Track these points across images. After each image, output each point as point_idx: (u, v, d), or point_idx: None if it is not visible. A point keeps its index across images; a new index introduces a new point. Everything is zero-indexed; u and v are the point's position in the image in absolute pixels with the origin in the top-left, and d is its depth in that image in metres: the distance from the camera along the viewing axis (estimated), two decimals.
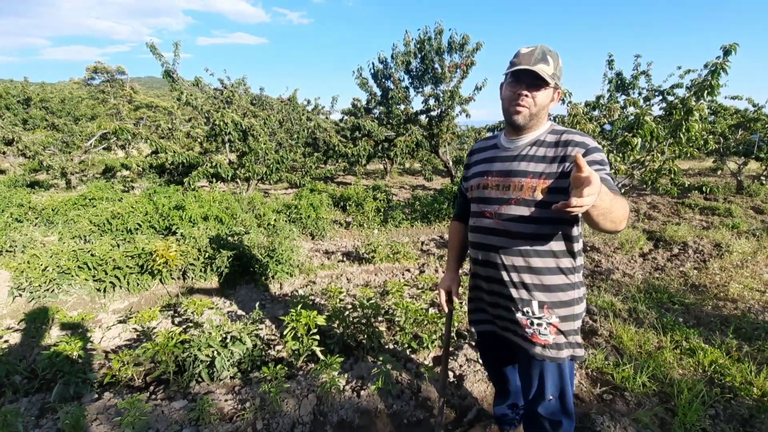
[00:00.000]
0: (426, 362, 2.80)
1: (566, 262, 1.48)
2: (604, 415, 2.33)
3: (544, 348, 1.50)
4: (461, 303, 3.39)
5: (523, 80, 1.41)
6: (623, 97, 8.24)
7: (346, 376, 2.54)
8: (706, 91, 5.18)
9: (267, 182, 9.52)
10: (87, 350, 2.85)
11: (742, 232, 6.06)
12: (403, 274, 4.61)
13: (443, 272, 4.69)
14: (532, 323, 1.49)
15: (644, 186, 6.02)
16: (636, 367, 2.76)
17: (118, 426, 2.06)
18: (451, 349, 2.96)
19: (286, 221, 5.97)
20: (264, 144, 8.22)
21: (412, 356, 2.85)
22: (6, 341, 3.08)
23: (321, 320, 2.67)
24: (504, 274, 1.52)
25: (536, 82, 1.39)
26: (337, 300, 3.49)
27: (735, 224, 6.36)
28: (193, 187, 7.49)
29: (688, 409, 2.35)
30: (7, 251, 4.80)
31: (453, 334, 3.21)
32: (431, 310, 3.40)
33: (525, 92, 1.42)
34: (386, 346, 3.00)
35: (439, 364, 2.80)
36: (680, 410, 2.36)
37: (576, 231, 1.50)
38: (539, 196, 1.41)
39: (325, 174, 12.28)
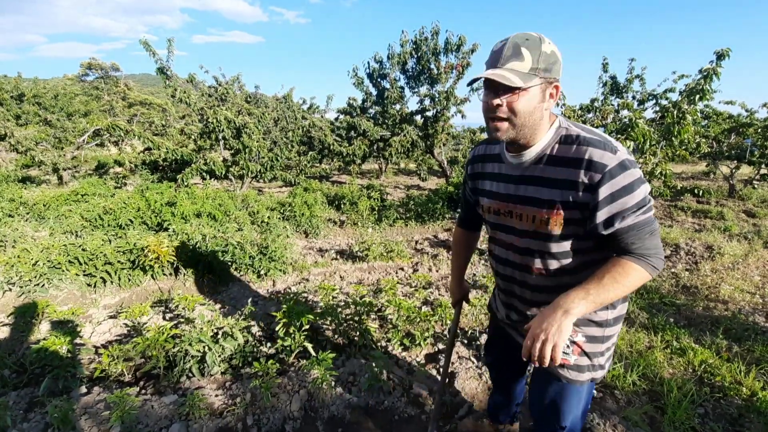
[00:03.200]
0: (418, 360, 2.80)
1: None
2: (594, 412, 2.34)
3: (565, 369, 1.34)
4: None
5: (492, 87, 1.13)
6: (617, 100, 8.30)
7: (337, 372, 2.53)
8: (698, 96, 5.25)
9: (261, 180, 9.49)
10: (76, 345, 2.82)
11: (734, 234, 6.13)
12: (396, 273, 4.61)
13: (436, 271, 4.70)
14: None
15: None
16: (627, 366, 2.78)
17: (107, 420, 2.04)
18: (441, 346, 2.96)
19: (279, 219, 5.95)
20: (258, 142, 8.20)
21: (404, 354, 2.85)
22: None
23: (313, 317, 2.66)
24: (524, 307, 1.40)
25: (509, 88, 1.10)
26: (330, 297, 3.48)
27: (727, 227, 6.42)
28: (186, 184, 7.44)
29: (677, 407, 2.37)
30: None
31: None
32: (424, 308, 3.40)
33: (497, 101, 1.12)
34: (378, 344, 2.99)
35: (431, 362, 2.80)
36: (669, 409, 2.38)
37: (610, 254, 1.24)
38: (555, 230, 1.20)
39: (320, 173, 12.26)
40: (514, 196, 1.28)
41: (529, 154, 1.22)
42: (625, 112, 6.63)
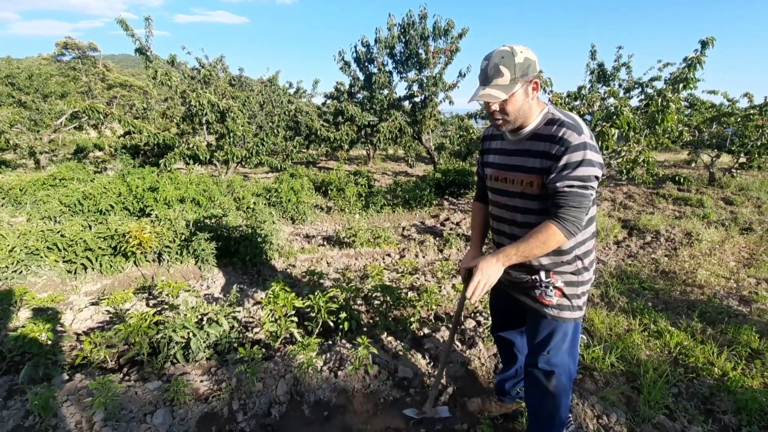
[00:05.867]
0: (403, 344, 2.82)
1: (568, 242, 1.58)
2: (574, 393, 2.41)
3: (549, 308, 1.66)
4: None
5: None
6: (604, 88, 8.36)
7: (323, 357, 2.55)
8: (682, 84, 5.31)
9: (247, 166, 9.35)
10: (57, 332, 2.78)
11: (712, 221, 6.29)
12: (383, 259, 4.63)
13: (423, 257, 4.73)
14: (540, 286, 1.65)
15: (621, 176, 6.17)
16: (605, 348, 2.86)
17: (90, 407, 2.02)
18: (427, 331, 3.00)
19: (265, 205, 5.89)
20: (243, 126, 8.05)
21: (390, 338, 2.88)
22: None
23: (299, 302, 2.66)
24: None
25: (497, 100, 1.45)
26: (317, 283, 3.48)
27: (706, 214, 6.59)
28: (169, 168, 7.28)
29: (652, 387, 2.46)
30: None
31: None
32: (410, 294, 3.43)
33: (493, 108, 1.50)
34: (364, 329, 3.01)
35: (416, 346, 2.84)
36: (645, 389, 2.46)
37: None
38: (537, 191, 1.54)
39: (307, 159, 12.14)
40: (508, 165, 1.64)
41: (523, 133, 1.57)
42: (611, 100, 6.68)
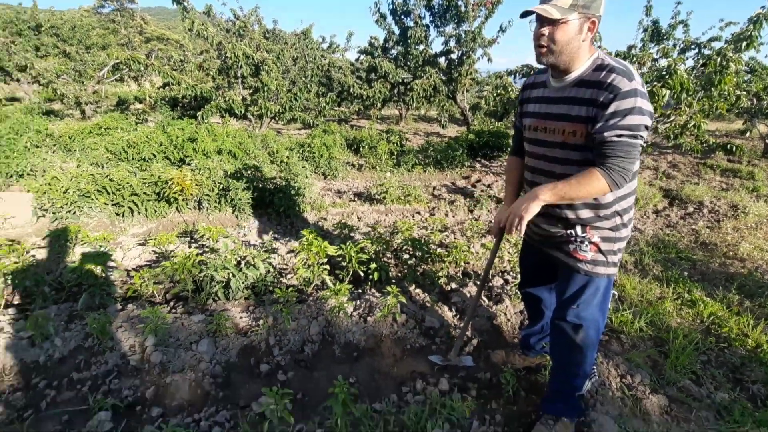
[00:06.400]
0: (431, 297, 2.90)
1: (609, 196, 1.53)
2: (599, 353, 2.43)
3: (583, 263, 1.63)
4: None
5: (538, 19, 1.44)
6: (657, 47, 7.75)
7: (354, 303, 2.66)
8: (745, 43, 4.86)
9: (280, 121, 9.40)
10: (109, 267, 3.00)
11: (762, 195, 5.93)
12: (413, 216, 4.66)
13: (452, 216, 4.73)
14: (575, 241, 1.61)
15: (668, 142, 5.83)
16: (635, 313, 2.84)
17: (141, 333, 2.22)
18: (454, 286, 3.05)
19: (299, 159, 5.97)
20: (277, 80, 8.02)
21: (418, 290, 2.95)
22: (33, 256, 3.24)
23: (332, 250, 2.75)
24: (548, 208, 1.60)
25: (550, 20, 1.39)
26: (347, 235, 3.57)
27: (756, 187, 6.20)
28: (206, 121, 7.43)
29: (680, 353, 2.44)
30: (28, 174, 4.92)
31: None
32: (439, 250, 3.47)
33: (541, 31, 1.43)
34: (393, 281, 3.10)
35: (443, 299, 2.91)
36: (673, 353, 2.45)
37: None
38: (580, 141, 1.48)
39: (339, 116, 12.06)
40: (550, 114, 1.57)
41: (568, 79, 1.50)
42: (663, 62, 6.20)
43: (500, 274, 3.33)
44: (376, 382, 2.27)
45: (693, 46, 7.21)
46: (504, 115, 9.62)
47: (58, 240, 3.35)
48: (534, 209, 1.48)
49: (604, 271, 1.63)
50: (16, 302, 2.73)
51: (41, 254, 3.34)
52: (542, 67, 1.61)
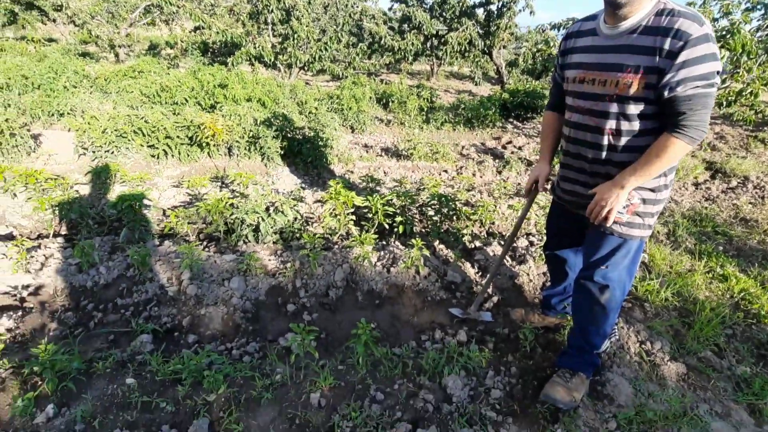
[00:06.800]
0: (454, 253, 2.92)
1: None
2: (620, 318, 2.43)
3: (617, 225, 1.57)
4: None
5: None
6: (719, 3, 7.06)
7: (378, 254, 2.71)
8: None
9: (309, 71, 9.25)
10: (146, 205, 3.14)
11: None
12: (440, 174, 4.62)
13: (480, 176, 4.65)
14: None
15: (718, 110, 5.44)
16: (662, 283, 2.79)
17: (178, 267, 2.35)
18: (478, 244, 3.06)
19: (327, 110, 5.92)
20: (307, 27, 7.80)
21: (441, 246, 2.98)
22: (76, 191, 3.41)
23: (359, 201, 2.78)
24: (594, 167, 1.57)
25: None
26: (374, 189, 3.58)
27: None
28: (235, 68, 7.38)
29: (705, 324, 2.41)
30: (68, 113, 5.08)
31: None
32: (464, 208, 3.45)
33: None
34: (417, 236, 3.13)
35: (466, 256, 2.93)
36: (697, 324, 2.42)
37: None
38: (635, 93, 1.38)
39: (368, 69, 11.73)
40: (601, 64, 1.46)
41: (626, 25, 1.38)
42: (724, 22, 5.66)
43: (525, 236, 3.30)
44: (395, 329, 2.36)
45: (759, 5, 6.53)
46: (542, 74, 9.14)
47: (99, 177, 3.51)
48: (622, 200, 1.47)
49: (638, 233, 1.58)
50: (63, 232, 2.92)
51: (84, 190, 3.51)
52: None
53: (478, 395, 1.88)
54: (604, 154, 1.53)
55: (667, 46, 1.27)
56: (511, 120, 7.69)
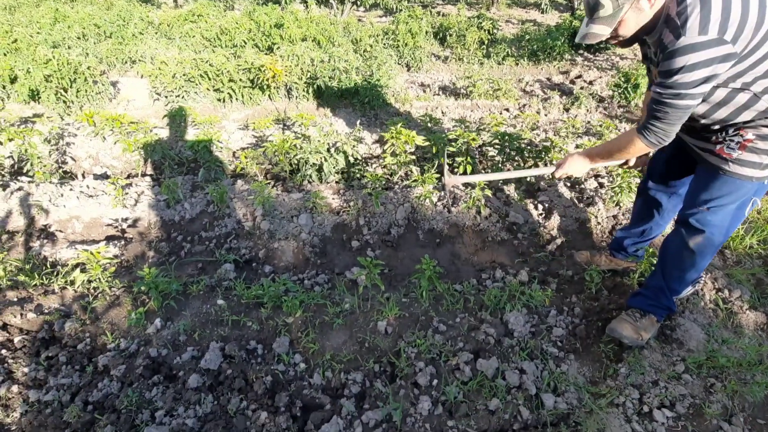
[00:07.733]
0: (517, 194, 2.85)
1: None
2: None
3: (727, 162, 1.48)
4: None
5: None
6: None
7: (439, 193, 2.72)
8: None
9: (361, 7, 8.85)
10: (218, 147, 3.32)
11: None
12: (501, 113, 4.40)
13: (545, 115, 4.38)
14: (724, 140, 1.47)
15: None
16: (747, 229, 2.58)
17: (251, 204, 2.52)
18: (543, 185, 2.95)
19: (383, 47, 5.71)
20: None
21: (504, 186, 2.92)
22: (156, 134, 3.67)
23: (420, 140, 2.76)
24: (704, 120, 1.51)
25: (600, 38, 1.39)
26: (432, 129, 3.51)
27: None
28: (289, 6, 7.23)
29: None
30: (139, 60, 5.33)
31: None
32: (528, 148, 3.31)
33: (608, 36, 1.40)
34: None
35: (529, 197, 2.85)
36: None
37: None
38: None
39: (423, 1, 10.98)
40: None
41: (653, 38, 1.41)
42: None
43: (594, 177, 3.13)
44: (456, 266, 2.42)
45: None
46: None
47: (174, 120, 3.73)
48: (580, 172, 1.82)
49: (750, 173, 1.46)
50: (149, 172, 3.20)
51: (162, 133, 3.76)
52: None
53: (539, 332, 1.93)
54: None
55: (656, 58, 1.38)
56: (581, 52, 6.98)
